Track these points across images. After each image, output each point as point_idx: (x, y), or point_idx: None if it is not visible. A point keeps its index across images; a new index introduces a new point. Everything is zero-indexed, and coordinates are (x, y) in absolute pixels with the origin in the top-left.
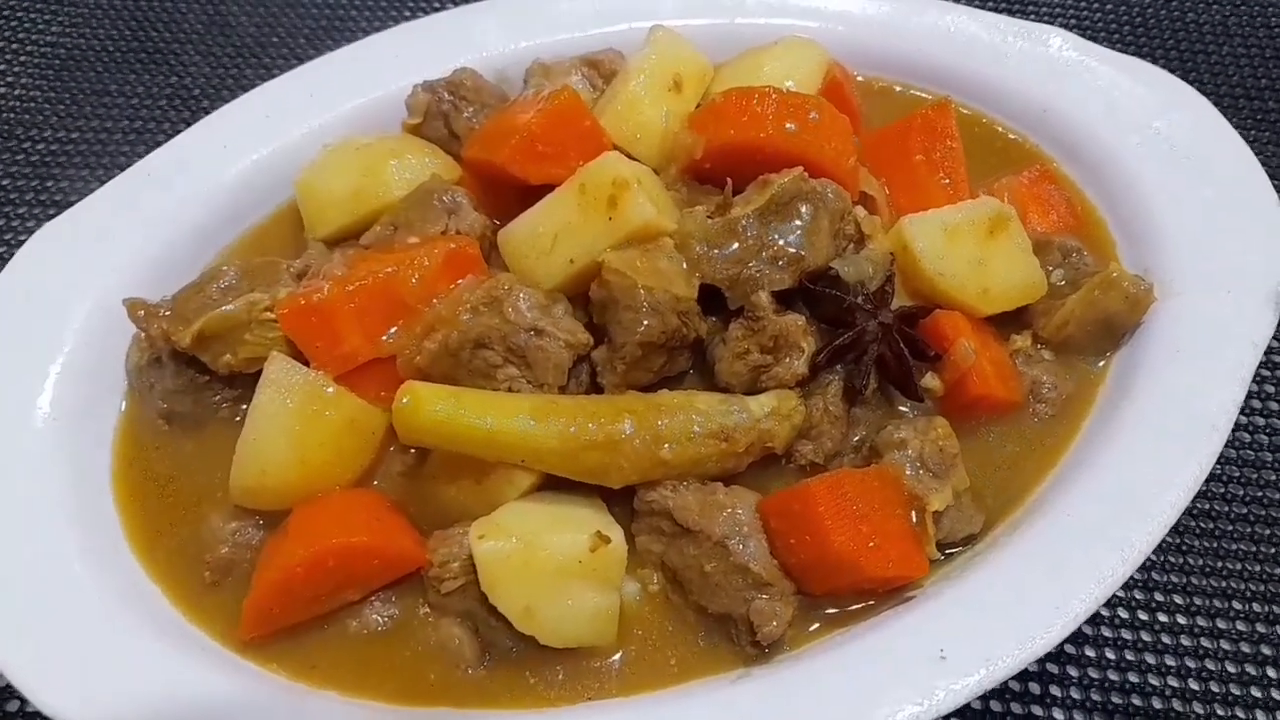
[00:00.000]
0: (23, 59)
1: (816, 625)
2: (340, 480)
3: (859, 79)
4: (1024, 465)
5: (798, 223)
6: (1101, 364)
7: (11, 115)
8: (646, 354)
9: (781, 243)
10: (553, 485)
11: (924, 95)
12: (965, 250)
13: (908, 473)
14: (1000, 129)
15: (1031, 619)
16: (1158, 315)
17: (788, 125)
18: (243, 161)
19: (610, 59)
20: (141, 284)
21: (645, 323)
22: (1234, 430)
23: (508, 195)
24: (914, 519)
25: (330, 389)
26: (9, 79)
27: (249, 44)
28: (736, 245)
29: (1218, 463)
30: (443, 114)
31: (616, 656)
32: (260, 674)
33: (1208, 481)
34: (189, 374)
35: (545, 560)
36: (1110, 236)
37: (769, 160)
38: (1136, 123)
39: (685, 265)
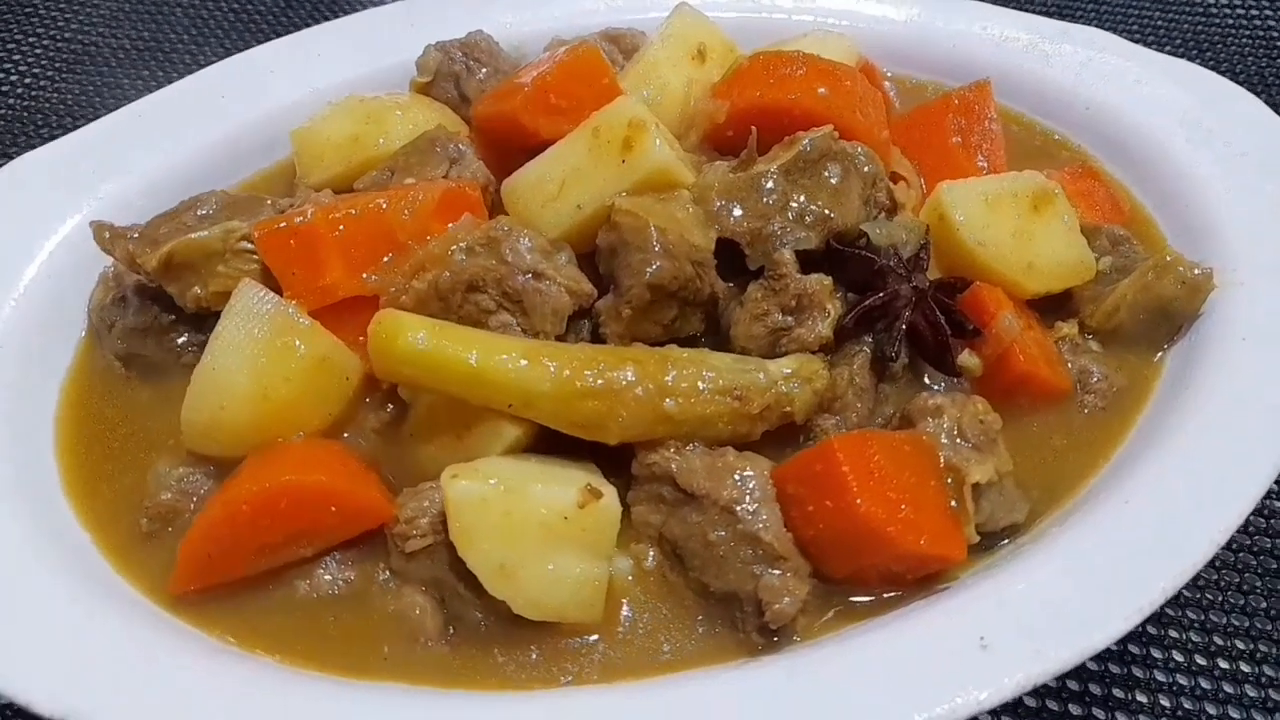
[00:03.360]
0: (38, 52)
1: (831, 615)
2: (306, 427)
3: (888, 75)
4: (1072, 459)
5: (826, 181)
6: (1157, 357)
7: (26, 108)
8: (655, 301)
9: (808, 201)
10: (543, 450)
11: None
12: (1007, 222)
13: (944, 442)
14: (1040, 128)
15: (1088, 611)
16: (1218, 305)
17: (820, 89)
18: (241, 114)
19: (633, 35)
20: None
21: (656, 264)
22: None
23: (517, 159)
24: (951, 495)
25: (304, 321)
26: (25, 73)
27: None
28: (759, 201)
29: None
30: (454, 75)
31: (599, 638)
32: (189, 634)
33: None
34: (153, 311)
35: (528, 511)
36: (1161, 234)
37: (797, 125)
38: (1185, 120)
39: (703, 217)
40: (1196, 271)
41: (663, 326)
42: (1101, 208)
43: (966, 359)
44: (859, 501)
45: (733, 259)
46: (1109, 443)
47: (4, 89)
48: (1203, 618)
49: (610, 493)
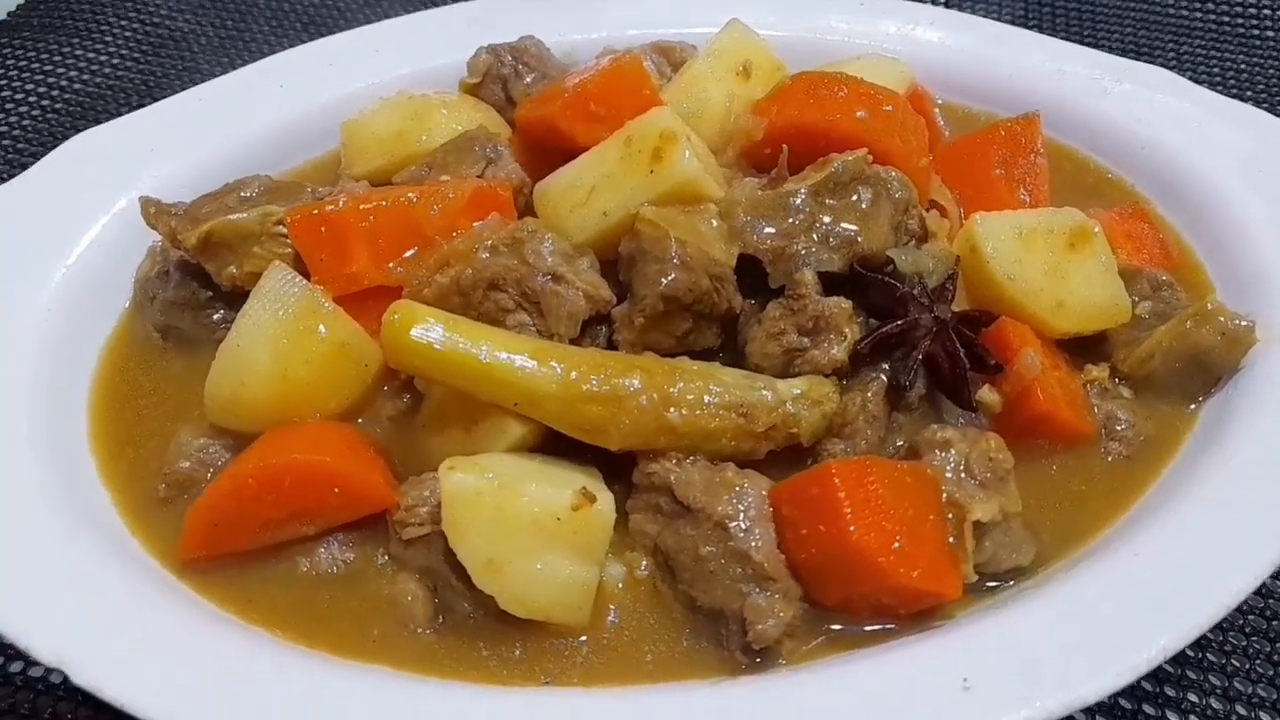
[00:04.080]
0: (128, 35)
1: (820, 640)
2: (323, 409)
3: (939, 102)
4: (1089, 506)
5: (856, 204)
6: (1191, 409)
7: (110, 86)
8: (669, 312)
9: (835, 223)
10: (549, 450)
11: None
12: (1040, 258)
13: (948, 476)
14: (1094, 165)
15: (1081, 663)
16: (1261, 361)
17: (859, 112)
18: (296, 104)
19: (683, 49)
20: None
21: (672, 275)
22: None
23: (556, 163)
24: (951, 531)
25: (328, 305)
26: (114, 53)
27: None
28: (786, 220)
29: None
30: (502, 78)
31: (584, 641)
32: (190, 599)
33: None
34: (191, 287)
35: (521, 509)
36: (1209, 282)
37: (834, 147)
38: (1243, 166)
39: (727, 233)
40: (1238, 323)
41: (676, 338)
42: (1148, 251)
43: (986, 395)
44: (852, 529)
45: (756, 276)
46: (1130, 493)
47: (93, 67)
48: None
49: (605, 498)
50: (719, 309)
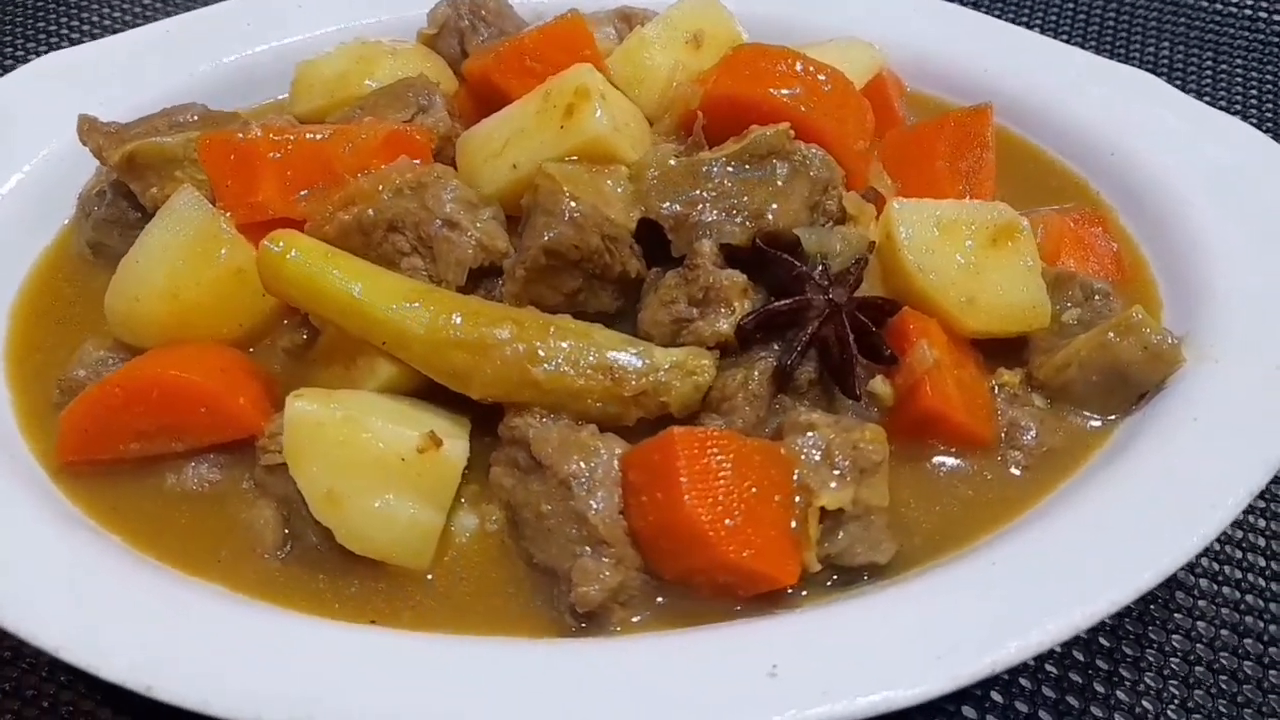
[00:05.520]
0: None
1: (647, 615)
2: (215, 333)
3: (909, 89)
4: (972, 514)
5: (770, 179)
6: (1103, 424)
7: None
8: (552, 266)
9: (743, 196)
10: (431, 398)
11: None
12: (957, 250)
13: (803, 459)
14: (1060, 167)
15: (901, 665)
16: (1185, 381)
17: (794, 88)
18: (261, 43)
19: (646, 15)
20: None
21: (557, 229)
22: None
23: None
24: (795, 515)
25: (228, 230)
26: None
27: None
28: (694, 189)
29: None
30: (459, 31)
31: (424, 584)
32: (57, 501)
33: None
34: (122, 206)
35: (364, 443)
36: (1158, 299)
37: (766, 121)
38: (1216, 181)
39: (632, 196)
40: (1164, 338)
41: (564, 295)
42: (1098, 259)
43: (878, 386)
44: (686, 498)
45: (667, 245)
46: (1019, 504)
47: None
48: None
49: (456, 445)
50: (612, 271)
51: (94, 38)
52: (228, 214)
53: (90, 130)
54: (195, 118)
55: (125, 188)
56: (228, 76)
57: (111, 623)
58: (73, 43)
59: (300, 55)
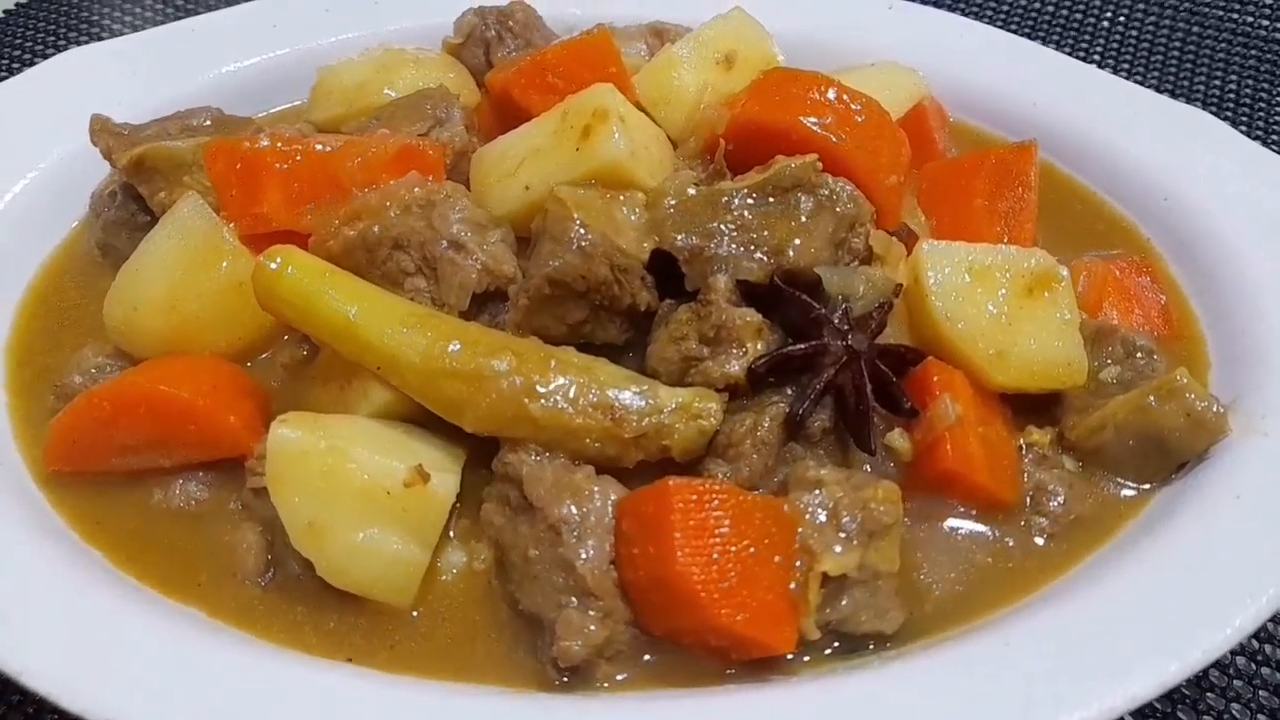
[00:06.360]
0: None
1: (630, 673)
2: (213, 345)
3: (953, 120)
4: (991, 582)
5: (793, 213)
6: (1138, 493)
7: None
8: (557, 296)
9: (765, 230)
10: (429, 425)
11: None
12: (989, 299)
13: (808, 518)
14: (1108, 210)
15: None
16: (1230, 452)
17: (824, 117)
18: (285, 46)
19: (679, 31)
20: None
21: (563, 258)
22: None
23: None
24: (796, 579)
25: (231, 241)
26: None
27: None
28: (712, 220)
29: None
30: (485, 41)
31: (404, 624)
32: (42, 510)
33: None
34: (131, 209)
35: (349, 475)
36: (1206, 358)
37: (793, 150)
38: (1275, 233)
39: (647, 224)
40: (1209, 406)
41: (569, 326)
42: (1143, 310)
43: (896, 440)
44: (679, 555)
45: (681, 276)
46: (1040, 576)
47: None
48: None
49: (446, 480)
50: (620, 302)
51: (136, 29)
52: (231, 224)
53: (101, 131)
54: (209, 122)
55: (134, 191)
56: (251, 78)
57: (82, 653)
58: (114, 34)
59: (325, 59)
